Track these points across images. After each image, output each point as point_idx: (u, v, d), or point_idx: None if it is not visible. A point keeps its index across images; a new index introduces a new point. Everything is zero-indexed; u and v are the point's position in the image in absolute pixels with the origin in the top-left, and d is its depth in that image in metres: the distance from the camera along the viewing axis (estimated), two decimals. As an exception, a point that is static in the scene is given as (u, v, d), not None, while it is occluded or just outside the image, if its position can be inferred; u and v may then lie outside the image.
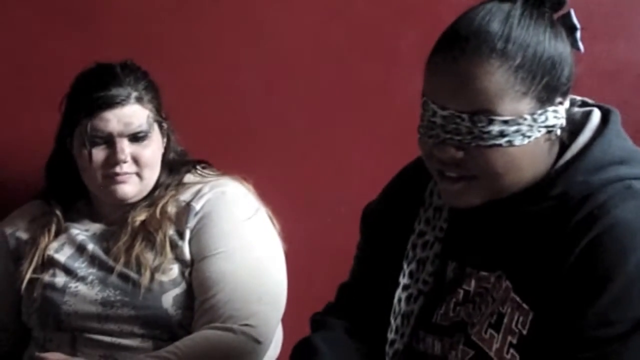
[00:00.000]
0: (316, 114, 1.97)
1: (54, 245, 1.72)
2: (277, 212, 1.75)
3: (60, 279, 1.69)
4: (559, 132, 1.15)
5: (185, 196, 1.70)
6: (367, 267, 1.34)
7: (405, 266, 1.26)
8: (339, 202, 1.96)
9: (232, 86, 1.96)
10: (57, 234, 1.73)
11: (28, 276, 1.69)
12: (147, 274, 1.63)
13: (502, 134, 1.10)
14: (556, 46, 1.13)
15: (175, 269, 1.65)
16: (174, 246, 1.66)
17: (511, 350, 1.14)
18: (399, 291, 1.25)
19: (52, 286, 1.68)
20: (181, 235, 1.66)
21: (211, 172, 1.76)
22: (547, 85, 1.12)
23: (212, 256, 1.64)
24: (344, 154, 1.98)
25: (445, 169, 1.14)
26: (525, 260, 1.15)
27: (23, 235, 1.75)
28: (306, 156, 1.98)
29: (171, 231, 1.67)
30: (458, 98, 1.10)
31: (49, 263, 1.70)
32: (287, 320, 1.72)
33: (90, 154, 1.64)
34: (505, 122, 1.10)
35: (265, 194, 1.75)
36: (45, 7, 1.95)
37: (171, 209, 1.68)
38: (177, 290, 1.64)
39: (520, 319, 1.14)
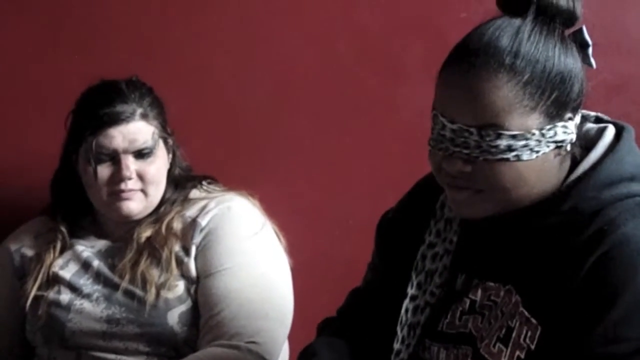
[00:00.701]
0: (322, 127, 1.97)
1: (59, 262, 1.71)
2: (284, 226, 1.74)
3: (65, 296, 1.68)
4: (569, 147, 1.15)
5: (191, 212, 1.69)
6: (378, 276, 1.35)
7: (413, 277, 1.27)
8: (346, 215, 1.95)
9: (238, 101, 1.96)
10: (62, 251, 1.72)
11: (33, 293, 1.69)
12: (153, 291, 1.62)
13: (510, 149, 1.10)
14: (566, 62, 1.12)
15: (180, 286, 1.64)
16: (180, 262, 1.65)
17: None
18: (406, 302, 1.26)
19: (57, 303, 1.67)
20: (187, 251, 1.66)
21: (217, 188, 1.76)
22: (556, 100, 1.11)
23: (218, 273, 1.63)
24: (350, 167, 1.97)
25: (454, 182, 1.15)
26: (535, 274, 1.15)
27: (28, 252, 1.74)
28: (313, 170, 1.97)
29: (177, 247, 1.66)
30: (466, 112, 1.11)
31: (54, 280, 1.69)
32: (294, 336, 1.71)
33: (95, 170, 1.64)
34: (514, 136, 1.10)
35: (272, 209, 1.74)
36: (50, 25, 1.95)
37: (177, 225, 1.68)
38: (183, 307, 1.64)
39: (529, 333, 1.13)
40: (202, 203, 1.70)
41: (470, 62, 1.10)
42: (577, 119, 1.16)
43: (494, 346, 1.16)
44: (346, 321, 1.37)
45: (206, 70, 1.96)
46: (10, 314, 1.73)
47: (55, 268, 1.70)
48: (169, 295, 1.63)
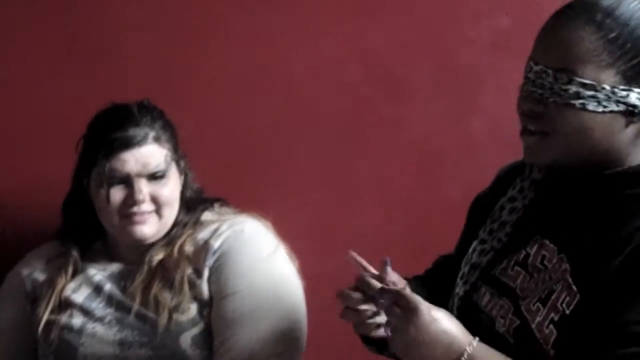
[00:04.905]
0: (332, 150, 1.97)
1: (71, 285, 1.71)
2: (295, 248, 1.74)
3: (78, 320, 1.67)
4: None
5: (203, 234, 1.69)
6: (462, 242, 1.43)
7: (488, 222, 1.35)
8: (357, 236, 1.95)
9: (248, 123, 1.96)
10: (74, 275, 1.72)
11: (45, 318, 1.68)
12: (165, 314, 1.62)
13: (578, 96, 1.17)
14: None
15: (193, 309, 1.64)
16: (193, 285, 1.64)
17: (550, 326, 1.19)
18: (475, 242, 1.35)
19: (69, 328, 1.67)
20: (199, 274, 1.65)
21: (229, 210, 1.75)
22: (637, 65, 1.17)
23: (231, 295, 1.63)
24: (360, 189, 1.98)
25: (527, 124, 1.23)
26: (590, 246, 1.19)
27: (40, 277, 1.74)
28: (323, 192, 1.97)
29: (189, 270, 1.65)
30: (548, 54, 1.20)
31: (66, 304, 1.69)
32: (308, 358, 1.71)
33: (107, 194, 1.63)
34: (584, 85, 1.17)
35: (283, 231, 1.74)
36: (61, 48, 1.95)
37: (189, 248, 1.67)
38: (196, 330, 1.63)
39: (567, 299, 1.18)
40: (214, 225, 1.70)
41: (565, 13, 1.20)
42: None
43: (533, 305, 1.22)
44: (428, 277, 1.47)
45: (216, 93, 1.96)
46: (22, 339, 1.73)
47: (67, 292, 1.70)
48: (182, 318, 1.63)
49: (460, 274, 1.35)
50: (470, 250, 1.35)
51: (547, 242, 1.25)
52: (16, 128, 1.96)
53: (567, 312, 1.17)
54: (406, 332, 1.17)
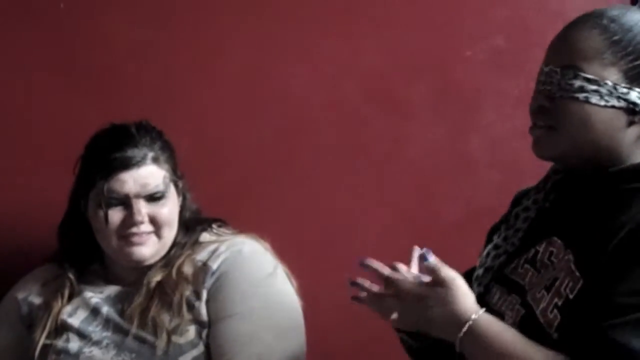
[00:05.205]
0: (330, 169, 1.97)
1: (68, 309, 1.69)
2: (294, 268, 1.73)
3: (74, 344, 1.66)
4: None
5: (201, 256, 1.68)
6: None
7: (502, 229, 1.41)
8: (356, 256, 1.94)
9: (246, 143, 1.97)
10: (70, 298, 1.70)
11: (41, 342, 1.67)
12: (164, 336, 1.60)
13: (582, 89, 1.25)
14: None
15: (192, 331, 1.63)
16: (191, 307, 1.63)
17: (555, 311, 1.23)
18: (489, 247, 1.40)
19: (65, 351, 1.65)
20: (198, 295, 1.64)
21: (227, 231, 1.74)
22: (638, 66, 1.25)
23: (230, 317, 1.62)
24: (359, 208, 1.98)
25: (536, 119, 1.30)
26: (592, 234, 1.23)
27: (36, 300, 1.73)
28: (321, 211, 1.97)
29: (188, 292, 1.64)
30: (557, 55, 1.29)
31: (63, 328, 1.68)
32: (307, 379, 1.70)
33: (106, 215, 1.62)
34: (588, 80, 1.25)
35: (282, 251, 1.73)
36: (57, 70, 1.95)
37: (187, 269, 1.66)
38: (195, 352, 1.62)
39: (570, 284, 1.22)
40: (212, 246, 1.69)
41: (574, 21, 1.30)
42: None
43: (538, 292, 1.27)
44: None
45: (214, 113, 1.97)
46: (18, 364, 1.71)
47: (64, 315, 1.68)
48: (181, 340, 1.61)
49: (475, 275, 1.40)
50: (485, 254, 1.40)
51: (555, 238, 1.30)
52: (14, 148, 1.95)
53: (571, 296, 1.22)
54: (410, 317, 1.26)
